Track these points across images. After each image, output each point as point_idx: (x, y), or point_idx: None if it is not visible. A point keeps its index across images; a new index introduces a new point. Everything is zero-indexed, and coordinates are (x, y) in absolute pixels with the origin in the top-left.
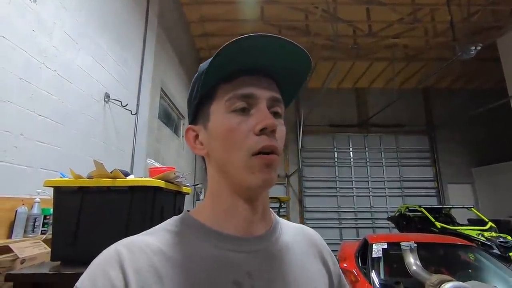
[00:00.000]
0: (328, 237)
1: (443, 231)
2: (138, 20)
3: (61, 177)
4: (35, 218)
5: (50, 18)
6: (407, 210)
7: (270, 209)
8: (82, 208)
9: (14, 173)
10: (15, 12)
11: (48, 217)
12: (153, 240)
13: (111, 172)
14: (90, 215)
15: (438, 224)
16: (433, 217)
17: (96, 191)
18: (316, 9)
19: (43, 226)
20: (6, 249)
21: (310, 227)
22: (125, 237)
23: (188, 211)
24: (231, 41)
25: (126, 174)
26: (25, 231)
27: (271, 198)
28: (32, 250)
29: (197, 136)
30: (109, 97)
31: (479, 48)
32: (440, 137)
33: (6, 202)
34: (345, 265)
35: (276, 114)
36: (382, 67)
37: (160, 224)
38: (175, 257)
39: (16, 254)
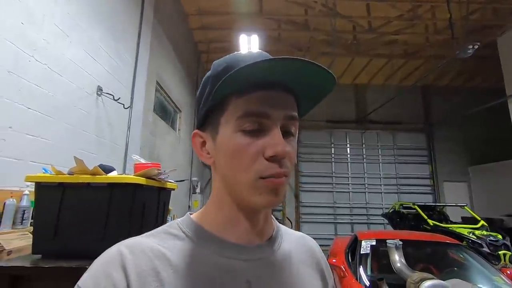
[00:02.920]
0: (323, 232)
1: (435, 228)
2: (133, 11)
3: (43, 172)
4: (24, 210)
5: (40, 10)
6: (401, 207)
7: (272, 216)
8: (62, 204)
9: (3, 165)
10: (3, 4)
11: None
12: (156, 244)
13: (91, 169)
14: (70, 211)
15: (431, 222)
16: (426, 215)
17: (76, 187)
18: (316, 4)
19: (32, 218)
20: None
21: (306, 222)
22: (104, 233)
23: (190, 214)
24: (251, 63)
25: (110, 170)
26: (13, 223)
27: None
28: (19, 242)
29: (204, 143)
30: (101, 90)
31: (477, 47)
32: (438, 135)
33: None
34: (334, 260)
35: (288, 133)
36: (381, 63)
37: (162, 226)
38: (178, 263)
39: (2, 246)
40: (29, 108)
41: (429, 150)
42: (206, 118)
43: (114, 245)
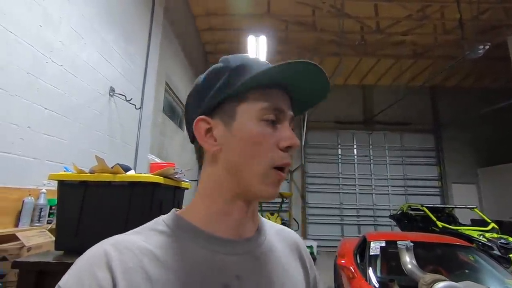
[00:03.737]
0: (330, 234)
1: (444, 230)
2: (144, 13)
3: (64, 171)
4: (41, 208)
5: (57, 13)
6: (409, 208)
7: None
8: (84, 201)
9: (21, 164)
10: (22, 7)
11: (53, 207)
12: (142, 240)
13: (112, 167)
14: (92, 208)
15: (440, 224)
16: (435, 217)
17: (97, 185)
18: (323, 4)
19: (48, 216)
20: (14, 237)
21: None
22: (124, 231)
23: (176, 210)
24: (284, 63)
25: (127, 169)
26: (31, 221)
27: None
28: (38, 239)
29: (209, 130)
30: (114, 91)
31: (487, 47)
32: (446, 136)
33: (13, 193)
34: (343, 261)
35: None
36: (389, 64)
37: (147, 224)
38: (165, 259)
39: (22, 242)
40: (46, 108)
41: (437, 151)
42: (217, 106)
43: (97, 244)
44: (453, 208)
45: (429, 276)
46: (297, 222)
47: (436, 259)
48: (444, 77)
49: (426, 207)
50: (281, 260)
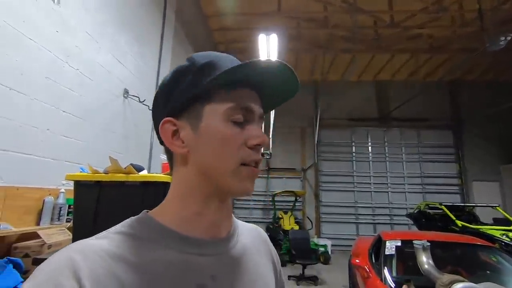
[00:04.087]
0: (345, 232)
1: (464, 230)
2: (156, 15)
3: (80, 171)
4: (61, 207)
5: (73, 19)
6: (427, 207)
7: None
8: (99, 201)
9: (41, 165)
10: (40, 14)
11: (72, 206)
12: (109, 245)
13: (125, 168)
14: (106, 207)
15: (459, 223)
16: (454, 216)
17: (111, 185)
18: (335, 0)
19: (67, 215)
20: (35, 235)
21: (326, 221)
22: None
23: (147, 211)
24: (248, 61)
25: (140, 169)
26: (51, 219)
27: (287, 192)
28: (58, 237)
29: (175, 132)
30: (128, 93)
31: (509, 38)
32: (466, 132)
33: (35, 192)
34: (357, 260)
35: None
36: (404, 59)
37: (113, 227)
38: (137, 263)
39: (43, 240)
40: (64, 111)
41: (457, 148)
42: (183, 107)
43: (61, 251)
44: (473, 206)
45: (446, 277)
46: (311, 221)
47: (455, 259)
48: (463, 71)
49: (445, 205)
50: (253, 258)
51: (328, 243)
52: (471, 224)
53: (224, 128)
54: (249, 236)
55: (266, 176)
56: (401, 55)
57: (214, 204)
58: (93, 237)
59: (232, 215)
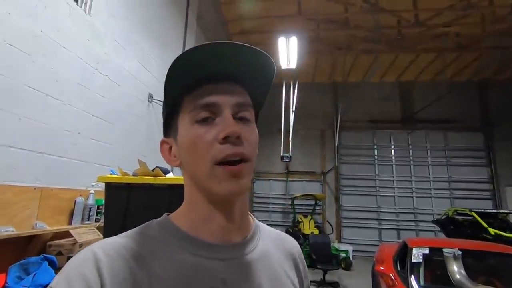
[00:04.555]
0: (366, 238)
1: (497, 238)
2: (179, 22)
3: (111, 174)
4: (90, 208)
5: (102, 27)
6: (455, 213)
7: (250, 214)
8: (129, 202)
9: (73, 167)
10: (73, 24)
11: (100, 207)
12: (129, 243)
13: (153, 170)
14: (135, 208)
15: (492, 231)
16: (486, 223)
17: (140, 187)
18: (356, 0)
19: (96, 215)
20: (67, 234)
21: (347, 226)
22: None
23: (168, 214)
24: (185, 51)
25: (166, 172)
26: (82, 219)
27: (306, 195)
28: (88, 236)
29: (170, 148)
30: (152, 97)
31: None
32: (498, 134)
33: (67, 193)
34: (381, 268)
35: (243, 120)
36: (430, 58)
37: (139, 227)
38: (152, 262)
39: (75, 239)
40: (94, 115)
41: (488, 151)
42: (168, 125)
43: (87, 247)
44: (507, 213)
45: None
46: (331, 225)
47: (488, 269)
48: (494, 70)
49: (476, 212)
50: (273, 266)
51: (350, 248)
52: (505, 231)
53: (190, 132)
54: (272, 243)
55: (285, 179)
56: (426, 55)
57: (217, 209)
58: (118, 235)
59: (253, 220)
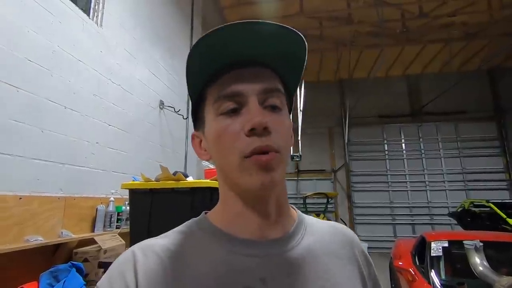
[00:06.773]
0: (380, 234)
1: None
2: (185, 28)
3: (133, 180)
4: (111, 215)
5: (113, 38)
6: (471, 205)
7: (293, 208)
8: (153, 207)
9: (93, 176)
10: (87, 37)
11: (120, 213)
12: (167, 243)
13: (174, 175)
14: (159, 212)
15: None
16: (505, 214)
17: (163, 191)
18: None
19: (117, 222)
20: (92, 241)
21: (360, 223)
22: None
23: (205, 212)
24: (201, 37)
25: (186, 176)
26: (104, 226)
27: (318, 193)
28: (111, 242)
29: (201, 142)
30: (163, 104)
31: None
32: (511, 122)
33: (89, 201)
34: (400, 263)
35: (273, 107)
36: (436, 49)
37: (178, 226)
38: (187, 260)
39: (99, 246)
40: (110, 125)
41: (502, 140)
42: (195, 118)
43: (130, 247)
44: None
45: (506, 279)
46: (344, 223)
47: (511, 260)
48: (504, 57)
49: (493, 202)
50: (323, 261)
51: (365, 245)
52: None
53: (216, 124)
54: (322, 236)
55: (296, 178)
56: (432, 46)
57: (249, 205)
58: (158, 236)
59: (297, 213)
